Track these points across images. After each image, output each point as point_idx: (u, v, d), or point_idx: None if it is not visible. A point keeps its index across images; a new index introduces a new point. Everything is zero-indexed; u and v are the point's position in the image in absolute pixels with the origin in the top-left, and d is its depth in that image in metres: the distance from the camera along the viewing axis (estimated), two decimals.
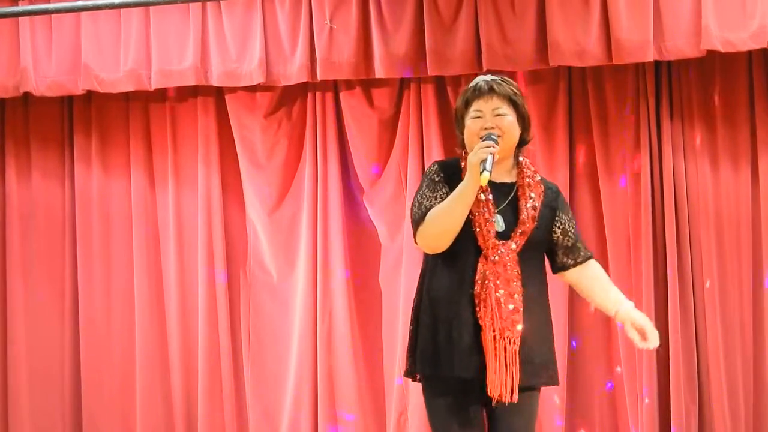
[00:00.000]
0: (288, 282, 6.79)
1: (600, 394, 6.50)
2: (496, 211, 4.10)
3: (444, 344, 4.07)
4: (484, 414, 4.16)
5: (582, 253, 4.32)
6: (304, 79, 6.53)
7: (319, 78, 6.50)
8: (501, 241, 4.07)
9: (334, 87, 6.72)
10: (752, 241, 6.31)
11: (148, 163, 6.99)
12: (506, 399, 4.04)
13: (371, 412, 6.67)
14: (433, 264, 4.16)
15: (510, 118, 4.13)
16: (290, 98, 6.80)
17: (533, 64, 6.28)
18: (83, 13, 6.62)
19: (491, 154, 3.97)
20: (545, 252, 4.27)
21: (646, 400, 6.25)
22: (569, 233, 4.26)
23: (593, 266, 4.36)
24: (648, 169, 6.35)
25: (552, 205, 4.21)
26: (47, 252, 7.07)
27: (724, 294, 6.30)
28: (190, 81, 6.63)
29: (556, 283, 6.37)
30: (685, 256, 6.31)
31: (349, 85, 6.70)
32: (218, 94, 6.86)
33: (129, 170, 6.99)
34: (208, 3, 6.56)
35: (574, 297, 6.47)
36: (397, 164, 6.66)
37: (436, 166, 4.22)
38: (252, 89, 6.74)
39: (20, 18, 6.66)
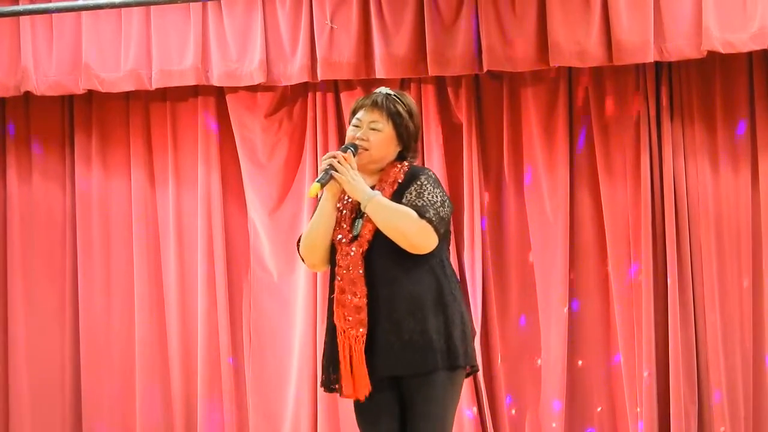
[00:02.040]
0: (288, 281, 6.80)
1: (599, 394, 6.51)
2: (358, 216, 4.18)
3: (325, 354, 4.25)
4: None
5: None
6: (305, 80, 6.54)
7: (319, 78, 6.50)
8: (350, 245, 4.15)
9: (335, 87, 6.72)
10: (752, 242, 6.31)
11: (149, 162, 6.99)
12: (359, 396, 4.10)
13: None
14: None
15: (382, 134, 4.21)
16: (291, 98, 6.80)
17: (534, 64, 6.28)
18: (84, 13, 6.62)
19: (330, 165, 4.10)
20: None
21: (645, 406, 6.26)
22: (405, 199, 4.14)
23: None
24: (648, 170, 6.35)
25: (407, 186, 4.18)
26: (47, 251, 7.07)
27: (723, 294, 6.30)
28: (191, 81, 6.63)
29: (555, 296, 6.45)
30: (685, 256, 6.31)
31: (349, 85, 6.70)
32: (219, 93, 6.86)
33: (129, 170, 6.99)
34: (209, 3, 6.56)
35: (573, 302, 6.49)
36: None
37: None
38: (253, 89, 6.75)
39: (21, 17, 6.66)
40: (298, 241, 4.30)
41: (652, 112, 6.37)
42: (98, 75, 6.69)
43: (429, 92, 6.60)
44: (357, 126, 4.24)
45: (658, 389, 6.28)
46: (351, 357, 4.10)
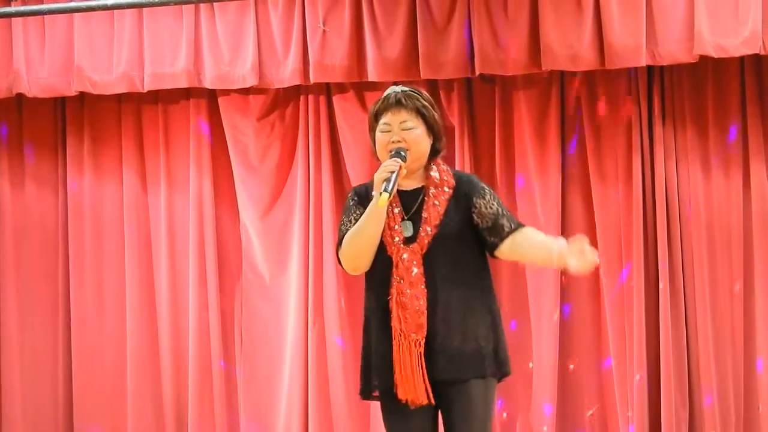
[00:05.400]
0: (280, 284, 6.80)
1: (590, 398, 6.51)
2: (406, 218, 4.17)
3: (372, 358, 4.20)
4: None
5: (506, 229, 4.21)
6: (297, 82, 6.54)
7: (312, 81, 6.51)
8: (406, 246, 4.14)
9: (327, 90, 6.73)
10: (743, 245, 6.32)
11: (140, 165, 6.99)
12: (422, 401, 4.09)
13: (360, 415, 6.67)
14: (365, 284, 4.27)
15: (417, 131, 4.20)
16: (283, 101, 6.81)
17: (526, 68, 6.28)
18: (76, 15, 6.62)
19: (394, 172, 4.06)
20: (480, 240, 4.23)
21: (636, 410, 6.26)
22: (486, 215, 4.20)
23: (522, 233, 4.23)
24: (640, 173, 6.36)
25: (465, 195, 4.21)
26: (40, 253, 7.07)
27: (714, 297, 6.31)
28: (183, 83, 6.63)
29: (546, 300, 6.45)
30: (677, 260, 6.32)
31: (342, 88, 6.70)
32: (211, 96, 6.86)
33: (121, 172, 6.99)
34: (201, 5, 6.56)
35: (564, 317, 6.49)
36: None
37: (351, 192, 4.33)
38: (245, 92, 6.75)
39: (13, 19, 6.66)
40: (338, 246, 4.23)
41: (644, 116, 6.37)
42: (90, 77, 6.69)
43: None
44: (387, 130, 4.21)
45: (649, 393, 6.28)
46: (410, 362, 4.09)
